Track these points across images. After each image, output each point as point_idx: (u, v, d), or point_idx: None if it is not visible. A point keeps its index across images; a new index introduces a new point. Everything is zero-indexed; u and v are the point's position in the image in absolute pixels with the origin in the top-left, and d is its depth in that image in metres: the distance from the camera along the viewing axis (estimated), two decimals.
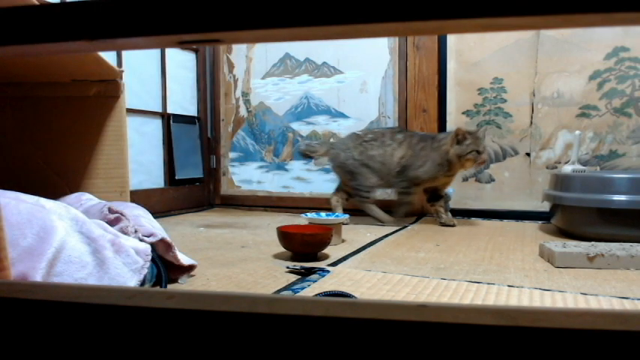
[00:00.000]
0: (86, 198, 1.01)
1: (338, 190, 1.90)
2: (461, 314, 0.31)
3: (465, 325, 0.30)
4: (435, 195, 1.78)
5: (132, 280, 0.76)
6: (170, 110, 2.15)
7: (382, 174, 1.78)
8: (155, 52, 2.09)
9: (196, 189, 2.32)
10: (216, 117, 2.42)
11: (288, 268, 1.05)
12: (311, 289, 0.88)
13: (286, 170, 2.30)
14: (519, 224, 1.76)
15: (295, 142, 2.27)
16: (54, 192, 1.07)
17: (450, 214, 1.91)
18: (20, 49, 0.34)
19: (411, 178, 1.73)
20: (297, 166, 2.28)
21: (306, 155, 1.93)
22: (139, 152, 1.97)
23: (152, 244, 0.85)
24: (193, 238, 1.49)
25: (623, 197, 1.33)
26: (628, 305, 0.81)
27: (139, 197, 1.77)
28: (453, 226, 1.72)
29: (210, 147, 2.42)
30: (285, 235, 1.16)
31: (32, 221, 0.70)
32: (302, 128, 2.26)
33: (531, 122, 1.88)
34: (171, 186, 2.15)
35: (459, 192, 1.96)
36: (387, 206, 1.83)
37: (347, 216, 1.48)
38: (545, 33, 1.84)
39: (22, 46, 0.32)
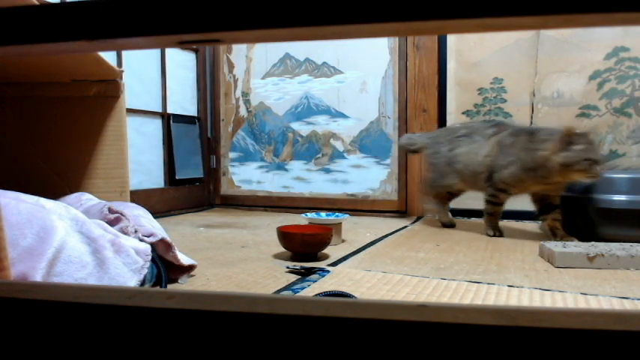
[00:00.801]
0: (86, 198, 1.01)
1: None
2: (461, 314, 0.31)
3: (465, 325, 0.30)
4: (548, 205, 1.43)
5: (132, 280, 0.76)
6: (170, 110, 2.15)
7: (465, 176, 1.56)
8: (155, 52, 2.08)
9: (196, 189, 2.32)
10: (216, 117, 2.42)
11: (288, 268, 1.05)
12: (311, 289, 0.88)
13: (286, 170, 2.30)
14: (519, 224, 1.76)
15: (295, 142, 2.27)
16: (54, 192, 1.07)
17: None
18: (20, 49, 0.34)
19: (495, 183, 1.45)
20: (297, 166, 2.28)
21: (407, 149, 1.81)
22: (139, 152, 1.97)
23: (152, 244, 0.85)
24: (193, 238, 1.49)
25: (623, 197, 1.33)
26: (628, 305, 0.81)
27: (139, 197, 1.77)
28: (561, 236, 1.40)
29: (210, 147, 2.42)
30: (285, 235, 1.16)
31: (32, 221, 0.70)
32: (302, 128, 2.26)
33: (531, 122, 1.87)
34: (171, 186, 2.15)
35: None
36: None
37: (347, 216, 1.47)
38: (545, 33, 1.84)
39: (22, 46, 0.32)
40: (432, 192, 1.70)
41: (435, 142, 1.67)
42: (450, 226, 1.69)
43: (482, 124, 1.60)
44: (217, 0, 0.29)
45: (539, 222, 1.58)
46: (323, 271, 1.01)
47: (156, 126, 2.09)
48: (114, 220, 0.86)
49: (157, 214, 1.36)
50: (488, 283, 0.93)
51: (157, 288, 0.83)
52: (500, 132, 1.49)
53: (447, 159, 1.60)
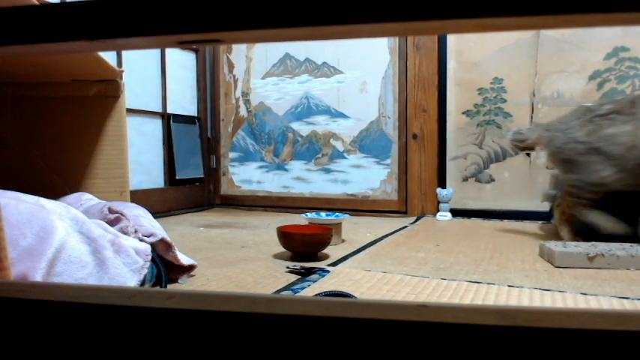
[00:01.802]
0: (86, 198, 1.01)
1: (557, 199, 1.36)
2: (461, 314, 0.31)
3: (465, 325, 0.30)
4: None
5: (132, 280, 0.76)
6: (170, 110, 2.15)
7: (628, 165, 1.20)
8: (155, 52, 2.09)
9: (196, 189, 2.32)
10: (216, 117, 2.42)
11: (288, 268, 1.05)
12: (311, 289, 0.88)
13: (286, 170, 2.30)
14: (519, 224, 1.76)
15: (295, 142, 2.27)
16: (54, 192, 1.07)
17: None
18: (20, 49, 0.34)
19: None
20: (297, 166, 2.28)
21: (517, 146, 1.47)
22: (139, 152, 1.97)
23: (152, 244, 0.85)
24: (193, 238, 1.49)
25: None
26: (628, 305, 0.81)
27: (139, 197, 1.77)
28: None
29: (210, 147, 2.42)
30: (285, 235, 1.16)
31: (32, 221, 0.70)
32: (302, 128, 2.26)
33: (531, 122, 1.87)
34: (171, 186, 2.15)
35: (459, 192, 1.96)
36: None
37: (347, 216, 1.47)
38: (545, 33, 1.84)
39: (22, 46, 0.32)
40: (579, 201, 1.29)
41: (562, 130, 1.32)
42: None
43: None
44: (217, 0, 0.29)
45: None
46: (323, 271, 1.01)
47: (156, 126, 2.09)
48: (114, 220, 0.86)
49: (156, 214, 1.36)
50: (488, 283, 0.93)
51: (157, 288, 0.83)
52: None
53: (588, 145, 1.24)
